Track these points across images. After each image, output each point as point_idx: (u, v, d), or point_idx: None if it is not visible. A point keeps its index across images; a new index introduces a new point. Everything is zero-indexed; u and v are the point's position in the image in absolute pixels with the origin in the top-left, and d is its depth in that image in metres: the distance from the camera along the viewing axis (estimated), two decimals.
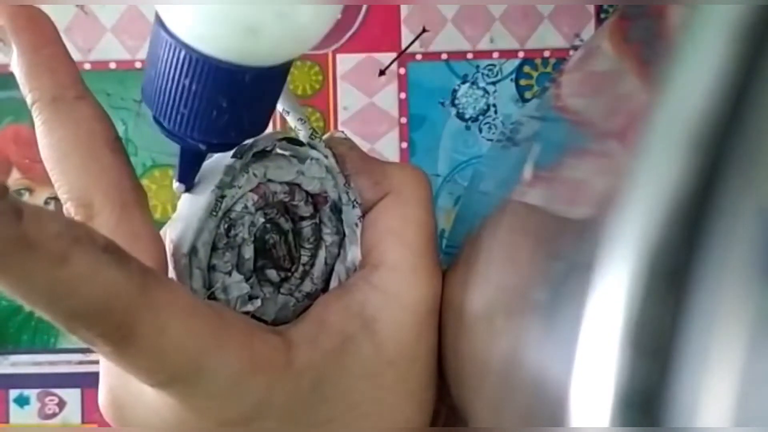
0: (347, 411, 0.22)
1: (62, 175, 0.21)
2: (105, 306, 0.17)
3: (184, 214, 0.22)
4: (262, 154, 0.23)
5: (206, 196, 0.22)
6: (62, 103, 0.21)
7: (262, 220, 0.23)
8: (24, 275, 0.16)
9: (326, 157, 0.24)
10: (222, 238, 0.22)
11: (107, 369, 0.22)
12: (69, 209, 0.21)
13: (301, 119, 0.24)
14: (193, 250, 0.22)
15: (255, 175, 0.22)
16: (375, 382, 0.22)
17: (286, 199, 0.23)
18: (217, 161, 0.22)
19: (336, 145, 0.24)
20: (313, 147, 0.24)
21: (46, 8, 0.36)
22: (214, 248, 0.22)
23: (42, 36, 0.21)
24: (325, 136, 0.25)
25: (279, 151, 0.23)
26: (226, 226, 0.22)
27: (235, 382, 0.20)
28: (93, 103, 0.21)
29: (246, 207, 0.22)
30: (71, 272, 0.16)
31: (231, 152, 0.22)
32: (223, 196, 0.22)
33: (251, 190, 0.23)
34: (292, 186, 0.23)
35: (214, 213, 0.22)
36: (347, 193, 0.24)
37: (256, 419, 0.21)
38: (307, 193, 0.24)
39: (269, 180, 0.23)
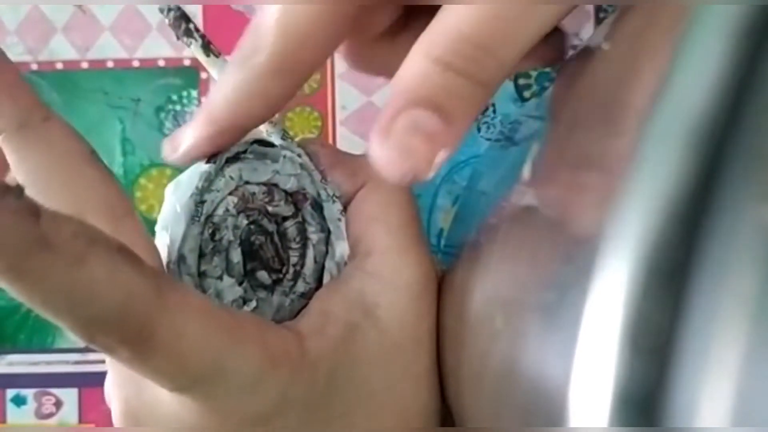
0: (363, 402, 0.22)
1: (48, 199, 0.20)
2: (124, 309, 0.17)
3: (166, 222, 0.22)
4: (235, 159, 0.23)
5: (186, 203, 0.22)
6: (30, 129, 0.20)
7: (245, 222, 0.23)
8: (42, 277, 0.15)
9: (299, 155, 0.24)
10: (208, 243, 0.22)
11: (119, 379, 0.22)
12: None
13: (272, 122, 0.24)
14: (181, 258, 0.22)
15: (231, 177, 0.23)
16: (385, 369, 0.23)
17: (266, 200, 0.23)
18: (192, 170, 0.22)
19: (307, 144, 0.25)
20: (285, 148, 0.24)
21: (44, 7, 0.36)
22: (201, 254, 0.22)
23: None
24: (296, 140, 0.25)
25: (250, 155, 0.23)
26: (210, 230, 0.22)
27: (255, 378, 0.20)
28: (61, 122, 0.21)
29: (227, 210, 0.23)
30: (90, 274, 0.16)
31: (204, 159, 0.22)
32: (202, 201, 0.22)
33: (230, 193, 0.23)
34: (270, 186, 0.23)
35: (196, 218, 0.22)
36: (325, 189, 0.24)
37: (277, 416, 0.21)
38: (285, 192, 0.24)
39: (246, 182, 0.23)
